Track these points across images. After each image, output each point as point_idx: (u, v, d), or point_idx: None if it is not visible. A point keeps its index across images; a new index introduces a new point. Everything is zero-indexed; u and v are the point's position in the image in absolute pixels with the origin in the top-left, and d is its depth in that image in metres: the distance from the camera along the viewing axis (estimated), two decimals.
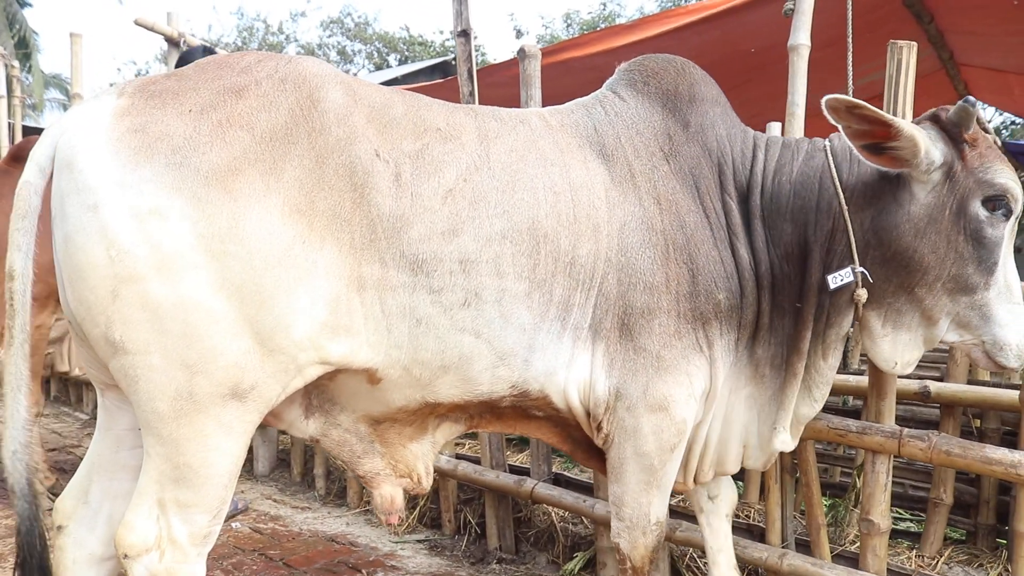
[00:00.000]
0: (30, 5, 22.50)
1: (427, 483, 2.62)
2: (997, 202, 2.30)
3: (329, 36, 30.34)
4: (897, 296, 2.44)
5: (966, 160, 2.32)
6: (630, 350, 2.42)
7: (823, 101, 2.28)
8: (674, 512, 3.49)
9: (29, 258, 2.04)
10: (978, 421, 3.66)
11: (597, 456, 2.70)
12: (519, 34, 27.87)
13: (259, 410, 2.10)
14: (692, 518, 3.29)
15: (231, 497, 2.15)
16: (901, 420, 3.93)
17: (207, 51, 4.18)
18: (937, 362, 4.06)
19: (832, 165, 2.47)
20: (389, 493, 2.57)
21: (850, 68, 3.61)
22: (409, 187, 2.18)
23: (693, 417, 2.52)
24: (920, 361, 4.25)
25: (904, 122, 2.29)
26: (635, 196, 2.47)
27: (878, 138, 2.32)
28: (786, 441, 2.65)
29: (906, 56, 2.90)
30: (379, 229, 2.14)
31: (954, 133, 2.33)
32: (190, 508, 2.07)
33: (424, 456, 2.59)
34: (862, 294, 2.43)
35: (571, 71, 6.52)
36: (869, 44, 4.93)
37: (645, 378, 2.42)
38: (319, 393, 2.41)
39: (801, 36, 3.26)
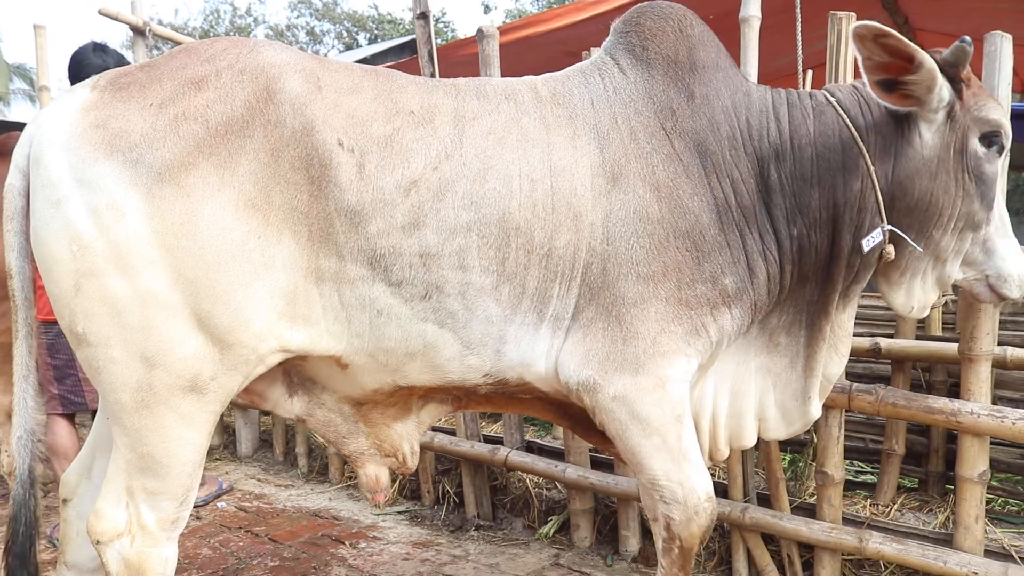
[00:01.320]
0: None
1: (412, 463, 2.62)
2: (992, 138, 2.34)
3: (297, 16, 30.15)
4: (916, 242, 2.41)
5: (963, 99, 2.32)
6: (620, 339, 2.28)
7: (852, 28, 2.21)
8: None
9: (23, 257, 2.12)
10: (928, 375, 3.81)
11: (596, 433, 2.58)
12: (487, 9, 27.76)
13: (220, 400, 2.13)
14: None
15: (197, 484, 2.20)
16: (858, 376, 4.10)
17: (98, 48, 4.17)
18: (890, 320, 4.20)
19: (847, 120, 2.39)
20: (374, 472, 2.59)
21: (799, 36, 3.70)
22: (372, 179, 2.11)
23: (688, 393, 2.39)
24: (873, 319, 4.43)
25: (925, 54, 2.22)
26: (627, 183, 2.29)
27: (893, 73, 2.27)
28: (819, 407, 2.62)
29: (845, 27, 3.01)
30: (337, 223, 2.10)
31: (951, 73, 2.29)
32: (157, 495, 2.13)
33: (409, 436, 2.59)
34: (891, 251, 2.40)
35: (534, 47, 6.57)
36: (822, 10, 5.01)
37: (637, 363, 2.27)
38: (298, 372, 2.42)
39: (752, 8, 3.30)
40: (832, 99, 2.45)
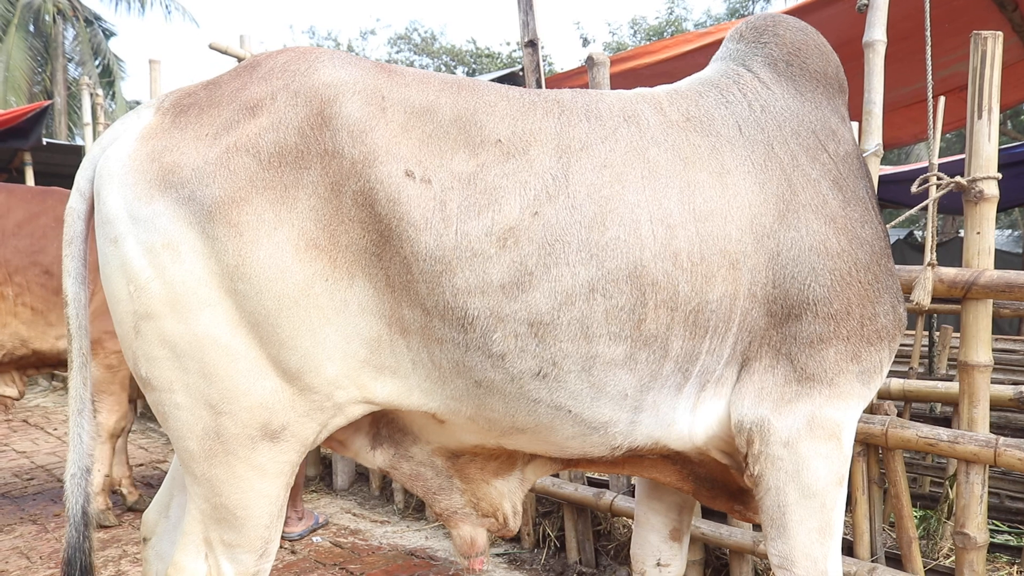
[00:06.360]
0: (115, 34, 23.40)
1: (514, 524, 2.33)
2: None
3: (397, 52, 30.74)
4: None
5: None
6: (791, 380, 2.03)
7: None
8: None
9: (80, 283, 2.02)
10: None
11: (724, 494, 2.37)
12: (585, 42, 27.83)
13: (295, 450, 1.96)
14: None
15: (278, 535, 2.06)
16: (998, 429, 3.79)
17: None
18: None
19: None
20: (469, 534, 2.34)
21: (929, 63, 3.49)
22: (455, 221, 1.83)
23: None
24: (1013, 364, 4.11)
25: None
26: (797, 218, 2.03)
27: None
28: None
29: (991, 47, 2.79)
30: (415, 270, 1.83)
31: None
32: (235, 548, 1.99)
33: (511, 494, 2.32)
34: None
35: (640, 78, 6.46)
36: (948, 35, 4.78)
37: (811, 407, 2.03)
38: (388, 422, 2.22)
39: (877, 32, 3.17)
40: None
